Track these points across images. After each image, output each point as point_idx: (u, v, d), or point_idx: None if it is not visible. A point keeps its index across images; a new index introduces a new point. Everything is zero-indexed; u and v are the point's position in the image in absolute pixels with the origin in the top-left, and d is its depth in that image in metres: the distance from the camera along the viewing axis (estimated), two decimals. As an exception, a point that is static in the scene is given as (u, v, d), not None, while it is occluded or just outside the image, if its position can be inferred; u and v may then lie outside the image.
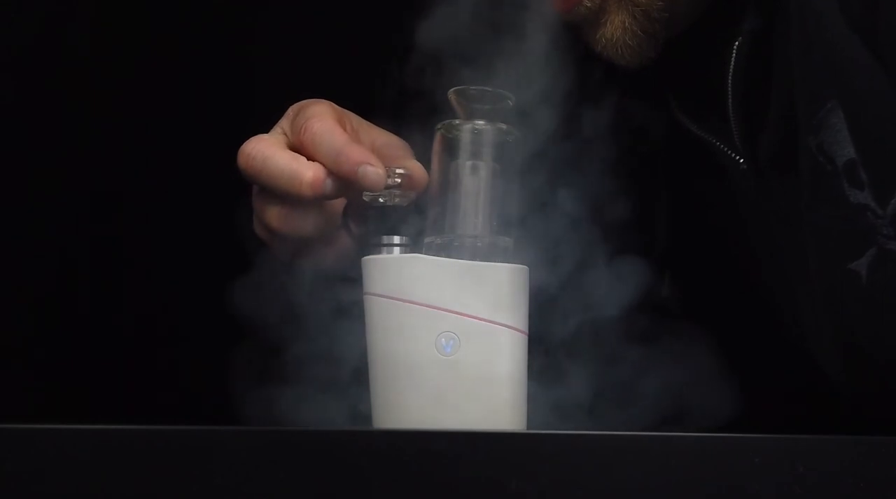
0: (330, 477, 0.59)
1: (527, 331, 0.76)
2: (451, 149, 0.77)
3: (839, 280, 0.80)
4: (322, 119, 0.81)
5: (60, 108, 1.20)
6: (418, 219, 0.79)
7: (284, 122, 0.84)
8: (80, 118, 1.21)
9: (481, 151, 0.77)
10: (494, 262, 0.76)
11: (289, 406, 0.87)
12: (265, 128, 0.85)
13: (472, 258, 0.76)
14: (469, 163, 0.77)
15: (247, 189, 0.85)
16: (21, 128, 1.18)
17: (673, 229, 1.01)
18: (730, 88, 0.88)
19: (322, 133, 0.80)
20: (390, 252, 0.77)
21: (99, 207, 1.26)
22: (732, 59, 0.88)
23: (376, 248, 0.78)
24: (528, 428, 0.76)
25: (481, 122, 0.77)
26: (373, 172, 0.78)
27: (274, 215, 0.82)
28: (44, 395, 1.20)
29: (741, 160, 0.90)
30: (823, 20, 0.79)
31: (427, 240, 0.77)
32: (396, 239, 0.78)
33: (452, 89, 0.78)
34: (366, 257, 0.77)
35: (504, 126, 0.78)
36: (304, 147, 0.81)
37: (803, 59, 0.81)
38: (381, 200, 0.79)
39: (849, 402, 0.87)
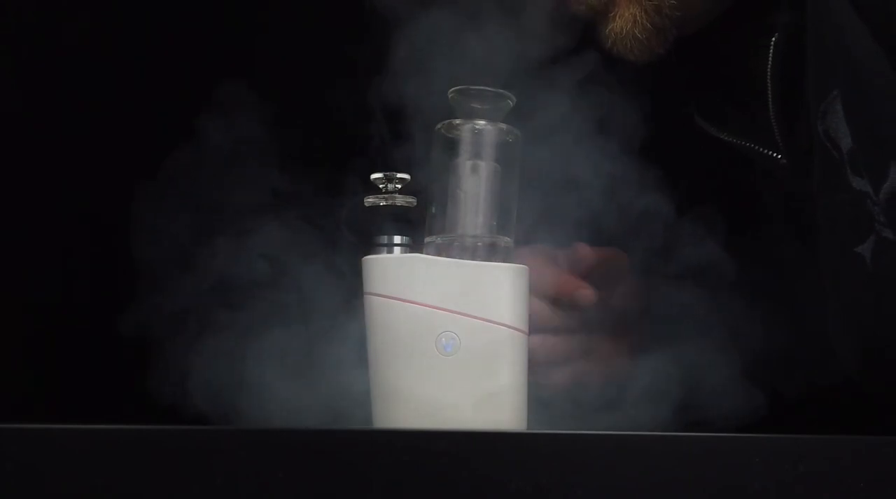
0: (330, 477, 0.59)
1: (527, 331, 0.76)
2: (451, 149, 0.77)
3: (848, 263, 0.80)
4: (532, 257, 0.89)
5: (60, 108, 1.20)
6: (418, 219, 0.79)
7: None
8: (80, 118, 1.21)
9: (481, 151, 0.77)
10: (494, 262, 0.76)
11: (288, 406, 0.87)
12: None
13: (472, 258, 0.76)
14: (469, 163, 0.77)
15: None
16: (21, 128, 1.17)
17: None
18: (769, 84, 0.88)
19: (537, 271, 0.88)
20: (390, 252, 0.77)
21: (99, 207, 1.26)
22: (770, 54, 0.87)
23: (376, 248, 0.78)
24: (528, 428, 0.76)
25: (481, 122, 0.77)
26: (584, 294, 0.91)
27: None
28: (44, 395, 1.19)
29: (779, 157, 0.90)
30: (833, 6, 0.79)
31: (427, 240, 0.77)
32: (397, 239, 0.78)
33: (452, 89, 0.78)
34: (366, 257, 0.77)
35: (504, 126, 0.78)
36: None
37: (815, 47, 0.81)
38: (381, 203, 0.78)
39: (868, 401, 0.86)
